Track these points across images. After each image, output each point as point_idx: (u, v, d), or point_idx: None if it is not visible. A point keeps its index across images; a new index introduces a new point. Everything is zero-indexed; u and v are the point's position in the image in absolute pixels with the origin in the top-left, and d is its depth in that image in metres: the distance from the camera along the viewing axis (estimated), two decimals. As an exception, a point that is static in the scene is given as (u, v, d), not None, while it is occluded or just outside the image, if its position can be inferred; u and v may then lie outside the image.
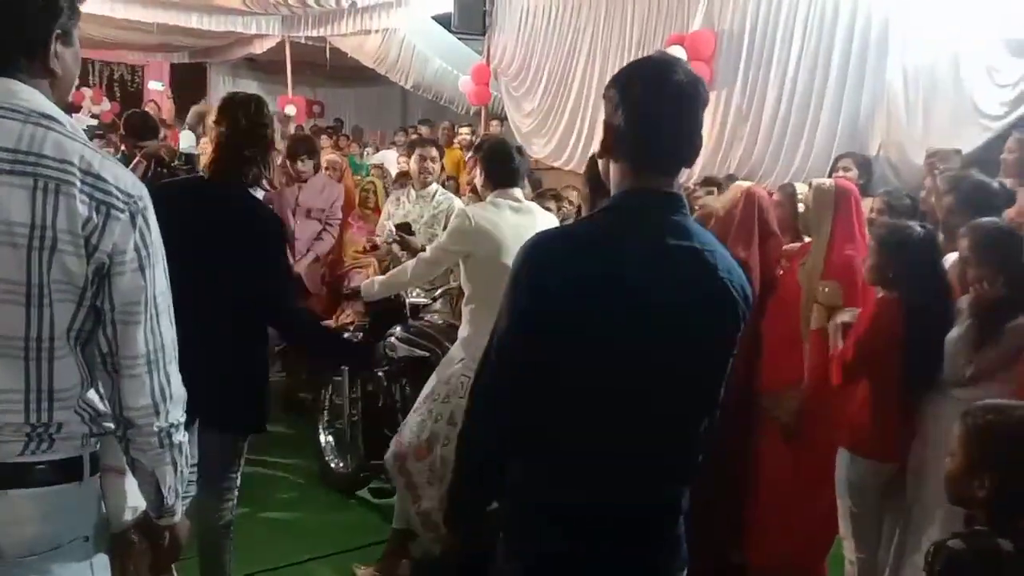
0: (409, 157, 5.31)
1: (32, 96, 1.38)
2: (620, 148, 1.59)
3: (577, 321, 1.52)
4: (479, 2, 8.85)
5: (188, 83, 15.23)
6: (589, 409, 1.57)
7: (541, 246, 1.60)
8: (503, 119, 9.85)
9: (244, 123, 2.68)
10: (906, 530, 3.09)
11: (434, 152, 5.03)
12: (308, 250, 5.52)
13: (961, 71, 5.07)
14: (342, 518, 4.15)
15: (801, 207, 3.67)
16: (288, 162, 5.40)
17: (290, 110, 12.30)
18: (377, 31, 10.71)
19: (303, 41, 12.03)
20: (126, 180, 1.42)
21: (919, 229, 3.23)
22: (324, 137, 11.66)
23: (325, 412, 4.55)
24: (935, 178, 4.30)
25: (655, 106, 1.54)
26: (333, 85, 15.23)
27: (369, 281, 3.79)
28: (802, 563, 3.49)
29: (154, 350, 1.46)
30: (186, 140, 5.73)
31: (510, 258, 3.36)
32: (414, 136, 11.16)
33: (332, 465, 4.45)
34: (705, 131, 5.32)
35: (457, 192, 7.57)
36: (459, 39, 10.66)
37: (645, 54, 6.91)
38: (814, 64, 5.93)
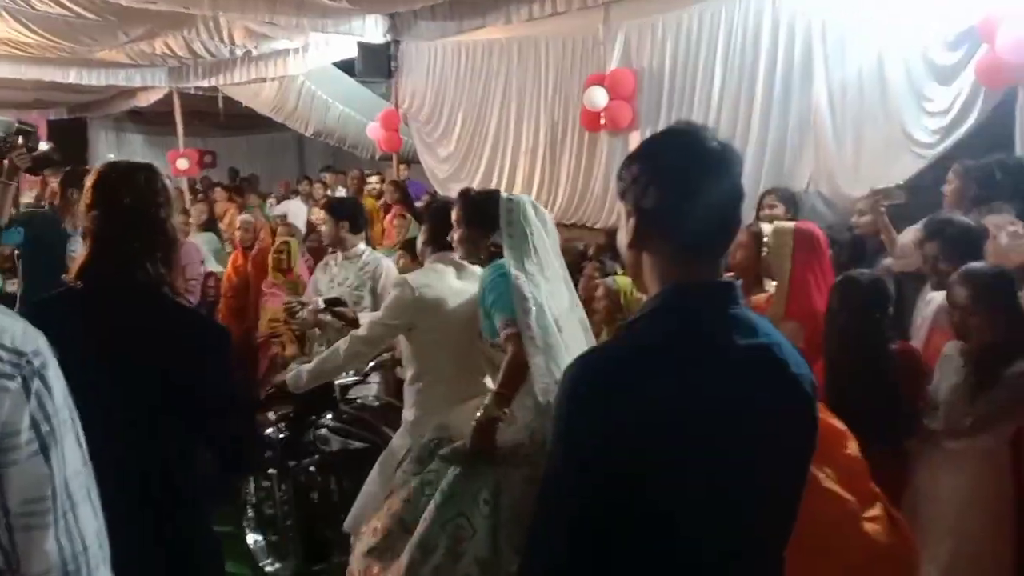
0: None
1: None
2: (660, 235, 1.35)
3: (655, 459, 1.26)
4: (384, 47, 8.50)
5: (67, 141, 14.29)
6: (671, 549, 1.30)
7: (596, 375, 1.31)
8: (410, 163, 9.53)
9: (128, 203, 1.93)
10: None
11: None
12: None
13: (889, 100, 5.02)
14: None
15: (765, 250, 3.60)
16: None
17: (182, 164, 11.67)
18: (273, 79, 10.22)
19: (192, 91, 11.44)
20: (14, 332, 1.05)
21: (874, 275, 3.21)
22: (218, 190, 11.05)
23: (249, 509, 4.04)
24: (883, 216, 4.22)
25: (698, 180, 1.31)
26: (225, 133, 14.61)
27: (295, 372, 3.33)
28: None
29: (72, 557, 1.08)
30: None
31: (457, 327, 3.10)
32: (317, 184, 10.75)
33: (267, 570, 3.92)
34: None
35: (369, 244, 7.22)
36: (360, 83, 10.32)
37: (563, 96, 6.95)
38: (737, 99, 5.82)
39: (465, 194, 3.12)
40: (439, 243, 3.22)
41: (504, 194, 2.91)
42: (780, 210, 4.93)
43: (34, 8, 7.21)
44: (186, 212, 8.37)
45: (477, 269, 3.32)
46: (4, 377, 1.02)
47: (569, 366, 1.34)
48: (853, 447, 2.41)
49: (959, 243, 3.22)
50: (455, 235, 3.01)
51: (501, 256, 2.81)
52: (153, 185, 1.99)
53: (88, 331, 1.78)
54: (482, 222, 2.93)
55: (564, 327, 2.69)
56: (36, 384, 1.05)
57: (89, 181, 2.01)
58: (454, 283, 3.14)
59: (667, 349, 1.30)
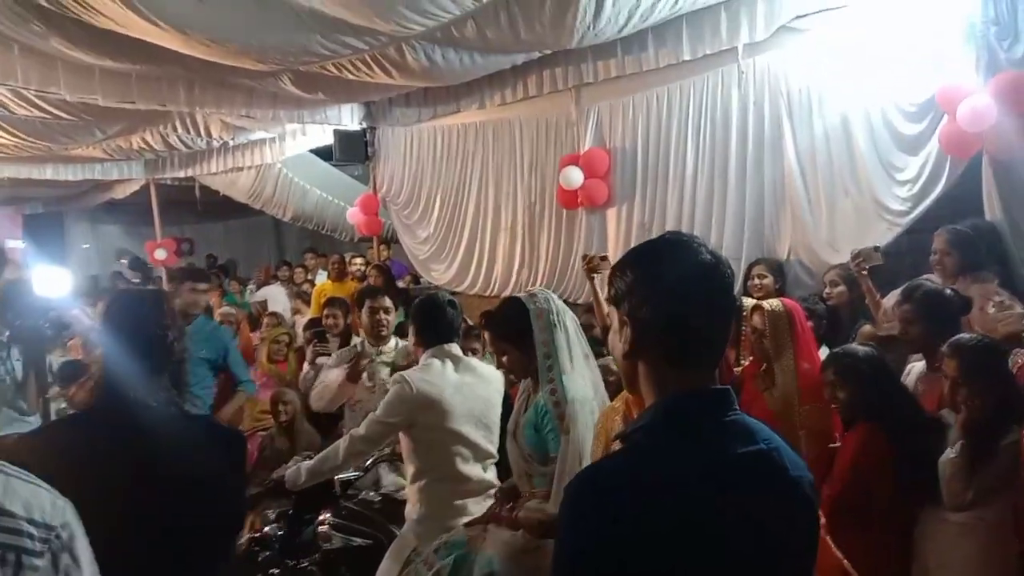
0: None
1: None
2: (656, 346, 1.37)
3: (657, 571, 1.27)
4: (360, 133, 8.65)
5: (44, 234, 14.26)
6: None
7: (596, 491, 1.31)
8: (391, 243, 9.59)
9: (137, 331, 2.00)
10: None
11: (387, 302, 4.39)
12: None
13: (858, 170, 5.18)
14: None
15: (745, 326, 3.66)
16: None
17: (160, 254, 11.67)
18: (250, 167, 10.33)
19: (169, 182, 11.50)
20: (42, 505, 1.04)
21: (872, 350, 3.28)
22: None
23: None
24: (866, 278, 4.33)
25: (694, 292, 1.36)
26: (202, 220, 14.65)
27: (294, 469, 3.30)
28: None
29: None
30: None
31: (456, 423, 3.09)
32: (298, 268, 10.78)
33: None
34: (610, 246, 5.28)
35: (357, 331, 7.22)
36: (336, 167, 10.46)
37: (539, 175, 7.08)
38: (711, 173, 5.96)
39: (493, 318, 2.95)
40: (431, 338, 3.22)
41: (520, 296, 2.83)
42: (769, 280, 5.05)
43: (11, 112, 7.28)
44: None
45: (475, 361, 3.35)
46: (33, 555, 1.02)
47: (570, 482, 1.35)
48: None
49: (926, 306, 3.31)
50: (504, 360, 2.86)
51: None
52: (160, 311, 2.06)
53: (107, 452, 1.80)
54: (523, 337, 2.77)
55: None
56: (65, 559, 1.05)
57: (99, 311, 2.08)
58: (452, 377, 3.13)
59: (666, 462, 1.31)
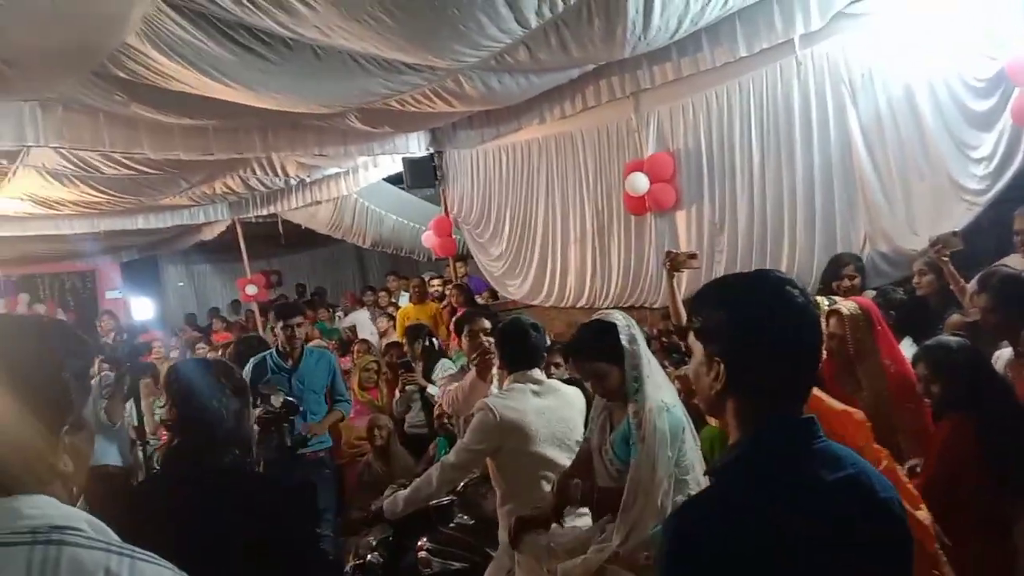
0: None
1: (40, 507, 1.13)
2: (747, 385, 1.41)
3: None
4: (428, 159, 8.87)
5: (141, 278, 15.05)
6: None
7: (695, 529, 1.36)
8: (467, 259, 9.76)
9: (202, 404, 2.12)
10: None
11: (486, 324, 4.25)
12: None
13: (931, 151, 5.06)
14: None
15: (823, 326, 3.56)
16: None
17: (250, 290, 12.14)
18: (328, 200, 10.69)
19: (253, 220, 11.98)
20: None
21: (965, 341, 3.19)
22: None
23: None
24: (947, 264, 4.24)
25: (787, 332, 1.40)
26: (287, 252, 15.20)
27: (392, 499, 3.45)
28: None
29: None
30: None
31: (540, 446, 3.17)
32: (382, 292, 11.07)
33: None
34: (682, 247, 5.22)
35: (443, 348, 7.39)
36: (410, 192, 10.71)
37: (605, 184, 7.12)
38: (778, 167, 5.90)
39: (583, 346, 2.91)
40: (516, 363, 3.30)
41: (602, 317, 2.85)
42: (859, 280, 4.89)
43: (102, 172, 7.76)
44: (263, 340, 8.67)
45: (557, 383, 3.42)
46: None
47: (667, 519, 1.42)
48: None
49: (1007, 292, 3.23)
50: (603, 386, 2.85)
51: None
52: (231, 375, 2.21)
53: (182, 514, 1.97)
54: (616, 353, 2.78)
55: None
56: None
57: (164, 382, 2.26)
58: (535, 402, 3.21)
59: (760, 495, 1.34)
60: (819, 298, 3.79)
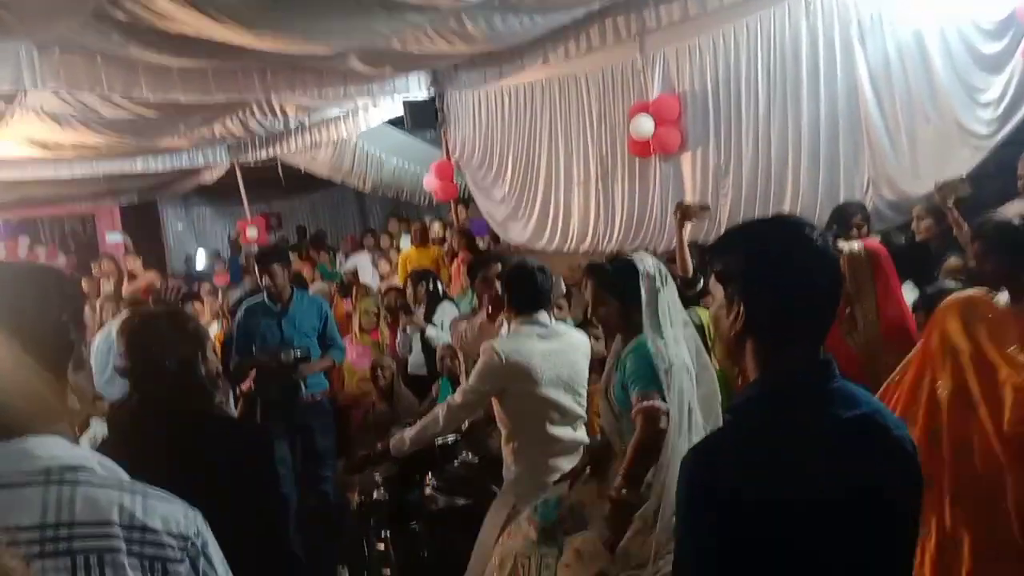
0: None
1: (50, 447, 1.16)
2: (768, 326, 1.44)
3: (772, 537, 1.34)
4: (430, 102, 8.77)
5: (141, 221, 15.00)
6: None
7: (711, 466, 1.40)
8: (468, 203, 9.72)
9: (158, 354, 2.13)
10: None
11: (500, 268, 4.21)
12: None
13: (939, 94, 5.02)
14: None
15: None
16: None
17: (251, 232, 12.13)
18: (328, 143, 10.60)
19: (252, 163, 11.91)
20: (177, 519, 1.20)
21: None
22: (292, 254, 11.51)
23: (365, 573, 4.22)
24: (952, 210, 4.22)
25: (809, 274, 1.42)
26: (287, 195, 15.12)
27: (398, 437, 3.51)
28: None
29: None
30: None
31: (546, 389, 3.22)
32: (384, 235, 11.06)
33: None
34: (687, 193, 5.18)
35: (446, 291, 7.42)
36: (411, 134, 10.62)
37: (609, 126, 7.06)
38: (784, 111, 5.87)
39: (599, 270, 2.95)
40: (521, 306, 3.31)
41: (632, 256, 2.86)
42: (866, 228, 4.89)
43: (101, 115, 7.70)
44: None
45: (563, 327, 3.44)
46: (175, 562, 1.17)
47: (684, 457, 1.45)
48: None
49: (1002, 239, 3.16)
50: (600, 312, 2.90)
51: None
52: (180, 331, 2.18)
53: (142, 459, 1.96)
54: (626, 293, 2.80)
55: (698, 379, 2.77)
56: (202, 563, 1.20)
57: (121, 332, 2.26)
58: (540, 345, 3.23)
59: (776, 432, 1.38)
60: (841, 243, 3.77)
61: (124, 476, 1.21)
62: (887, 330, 3.32)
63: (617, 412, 2.86)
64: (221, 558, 1.25)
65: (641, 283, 2.74)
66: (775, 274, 1.42)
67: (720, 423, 2.82)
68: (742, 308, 1.43)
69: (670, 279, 2.86)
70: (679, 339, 2.78)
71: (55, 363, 1.22)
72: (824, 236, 1.46)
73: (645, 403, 2.66)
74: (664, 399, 2.65)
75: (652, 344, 2.70)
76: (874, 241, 3.86)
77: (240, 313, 5.20)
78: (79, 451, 1.20)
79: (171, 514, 1.20)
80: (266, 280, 5.03)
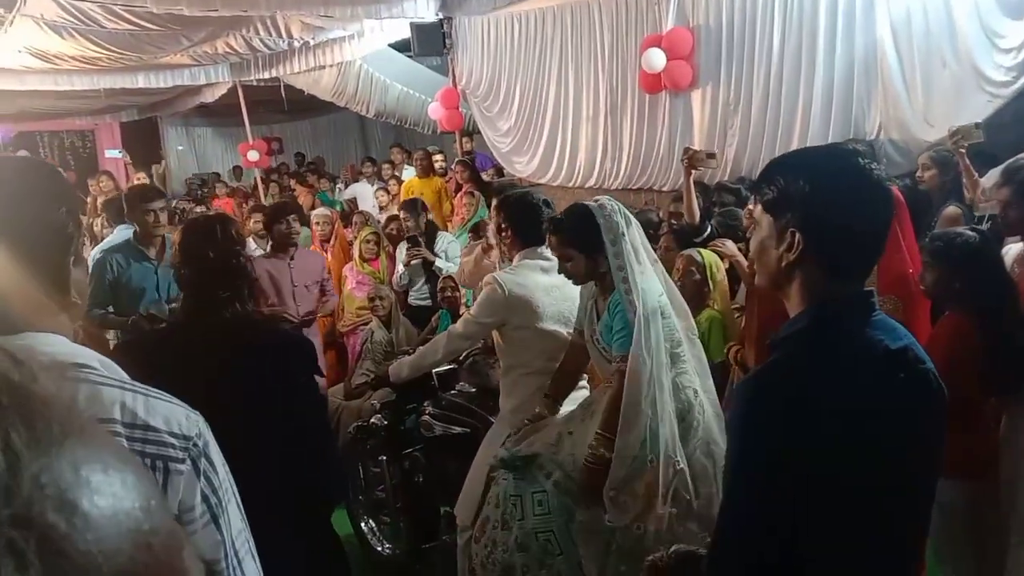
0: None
1: (53, 344, 1.13)
2: (821, 257, 1.40)
3: (830, 464, 1.34)
4: (437, 25, 8.57)
5: (141, 140, 14.86)
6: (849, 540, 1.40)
7: (771, 396, 1.40)
8: (472, 134, 9.61)
9: (215, 258, 2.24)
10: (1006, 545, 2.92)
11: None
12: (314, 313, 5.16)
13: (958, 38, 4.90)
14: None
15: None
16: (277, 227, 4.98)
17: (252, 155, 12.02)
18: (332, 65, 10.41)
19: (255, 83, 11.73)
20: (179, 419, 1.18)
21: (972, 235, 3.14)
22: (293, 181, 11.45)
23: (360, 495, 4.29)
24: (963, 157, 4.17)
25: (867, 206, 1.39)
26: (289, 119, 14.97)
27: (397, 364, 3.53)
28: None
29: None
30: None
31: (546, 323, 3.22)
32: (386, 164, 10.95)
33: (379, 550, 4.20)
34: (695, 130, 5.10)
35: (444, 225, 7.38)
36: (417, 60, 10.43)
37: (620, 59, 6.92)
38: (798, 49, 5.74)
39: (559, 223, 2.94)
40: (524, 239, 3.27)
41: (591, 204, 2.85)
42: None
43: (102, 26, 7.53)
44: (261, 208, 8.63)
45: None
46: (177, 461, 1.16)
47: (740, 388, 1.47)
48: None
49: None
50: (567, 267, 2.89)
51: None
52: (228, 234, 2.30)
53: (196, 359, 2.06)
54: (589, 244, 2.81)
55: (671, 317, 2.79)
56: (203, 463, 1.19)
57: (176, 239, 2.37)
58: (543, 279, 3.20)
59: (825, 363, 1.38)
60: None
61: (124, 376, 1.20)
62: (883, 275, 3.28)
63: (609, 356, 2.89)
64: (222, 461, 1.24)
65: (604, 234, 2.74)
66: (838, 202, 1.38)
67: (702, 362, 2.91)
68: (799, 238, 1.39)
69: (632, 218, 2.87)
70: (648, 275, 2.80)
71: (54, 258, 1.19)
72: (880, 168, 1.44)
73: (623, 366, 2.71)
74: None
75: (622, 296, 2.71)
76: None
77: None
78: (80, 348, 1.18)
79: (172, 414, 1.18)
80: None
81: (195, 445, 1.18)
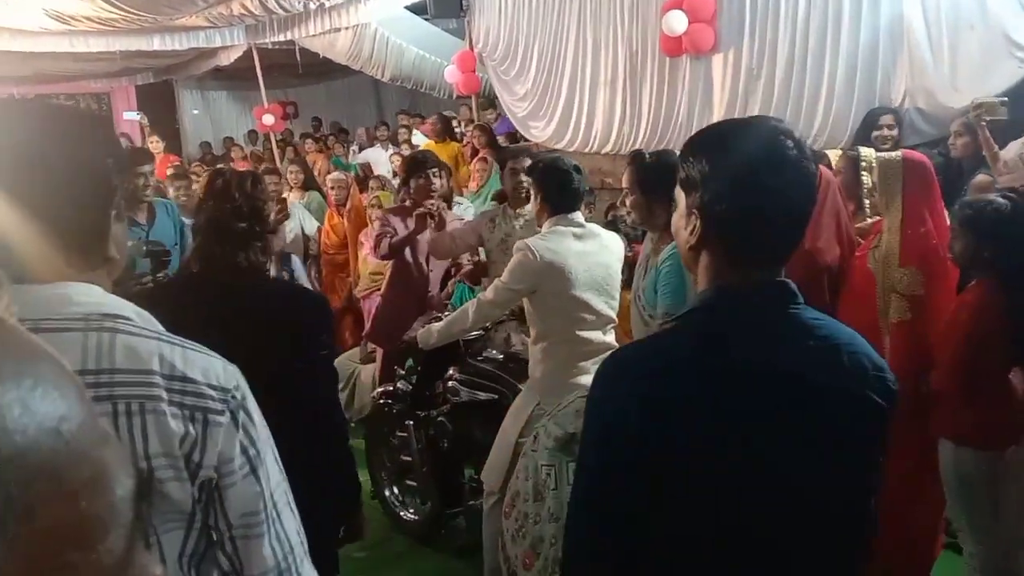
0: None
1: (89, 294, 1.13)
2: (723, 241, 1.30)
3: (696, 472, 1.25)
4: (455, -13, 8.50)
5: (157, 103, 14.82)
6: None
7: (619, 369, 1.32)
8: (495, 102, 9.50)
9: (240, 201, 2.26)
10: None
11: (527, 163, 4.17)
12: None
13: (987, 3, 4.83)
14: (426, 567, 4.01)
15: (865, 176, 3.45)
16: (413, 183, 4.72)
17: (267, 119, 11.98)
18: (347, 28, 10.33)
19: (270, 46, 11.66)
20: (217, 371, 1.18)
21: (1003, 202, 3.10)
22: (310, 142, 11.45)
23: (386, 459, 4.36)
24: (983, 129, 4.14)
25: (772, 191, 1.25)
26: (304, 83, 14.88)
27: (425, 330, 3.55)
28: (911, 562, 3.34)
29: (283, 557, 1.24)
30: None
31: (579, 289, 3.23)
32: (402, 128, 10.92)
33: (403, 515, 4.28)
34: (716, 96, 5.02)
35: (460, 191, 7.37)
36: (434, 23, 10.34)
37: (641, 22, 6.83)
38: (825, 16, 5.67)
39: (639, 158, 2.91)
40: (556, 205, 3.25)
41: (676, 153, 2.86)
42: (896, 132, 4.83)
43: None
44: (277, 172, 8.63)
45: (597, 228, 3.40)
46: (216, 413, 1.16)
47: (604, 360, 1.37)
48: None
49: None
50: (627, 200, 2.89)
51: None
52: (254, 184, 2.32)
53: (202, 309, 2.07)
54: (657, 189, 2.77)
55: None
56: (242, 416, 1.19)
57: (203, 184, 2.38)
58: (575, 245, 3.19)
59: (700, 345, 1.28)
60: (863, 149, 3.66)
61: (160, 328, 1.19)
62: (907, 248, 3.22)
63: (646, 318, 2.86)
64: (260, 415, 1.24)
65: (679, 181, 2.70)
66: (738, 185, 1.26)
67: None
68: (699, 222, 1.30)
69: None
70: None
71: (98, 209, 1.17)
72: (801, 145, 1.28)
73: (667, 326, 2.65)
74: None
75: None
76: (916, 152, 3.70)
77: None
78: (116, 299, 1.17)
79: (211, 366, 1.18)
80: None
81: (233, 397, 1.18)
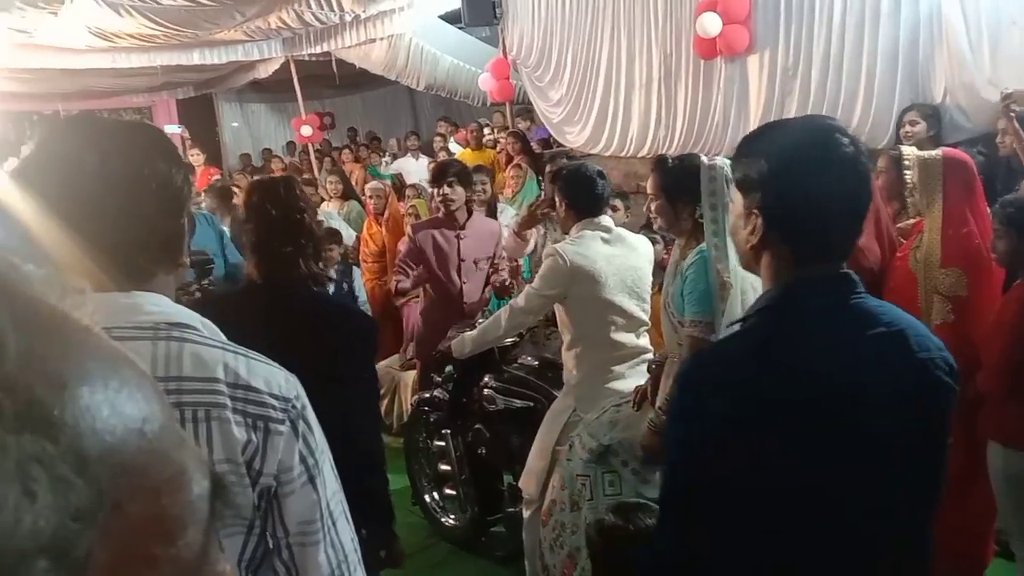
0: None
1: (159, 304, 1.17)
2: (785, 240, 1.33)
3: (766, 451, 1.27)
4: (488, -4, 8.54)
5: (197, 117, 15.11)
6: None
7: (707, 375, 1.34)
8: (531, 111, 9.49)
9: (275, 214, 2.25)
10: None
11: None
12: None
13: (1029, -1, 4.72)
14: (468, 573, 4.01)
15: (908, 175, 3.37)
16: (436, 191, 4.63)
17: (305, 131, 12.13)
18: (382, 39, 10.43)
19: (307, 58, 11.82)
20: (279, 381, 1.21)
21: None
22: (347, 152, 11.57)
23: (426, 467, 4.37)
24: (1012, 120, 4.05)
25: (832, 189, 1.29)
26: (341, 93, 15.04)
27: (460, 339, 3.57)
28: (961, 565, 3.26)
29: (337, 565, 1.26)
30: None
31: (610, 293, 3.22)
32: (437, 137, 10.98)
33: (443, 521, 4.29)
34: (752, 97, 4.97)
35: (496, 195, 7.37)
36: (467, 32, 10.40)
37: (675, 24, 6.80)
38: (862, 13, 5.57)
39: (662, 163, 2.92)
40: (582, 210, 3.27)
41: (704, 159, 2.73)
42: (922, 127, 4.76)
43: (157, 2, 7.65)
44: (314, 183, 8.74)
45: (624, 232, 3.40)
46: (276, 423, 1.19)
47: (681, 365, 1.42)
48: None
49: None
50: (652, 205, 2.86)
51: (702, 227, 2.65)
52: (293, 193, 2.32)
53: (261, 321, 2.05)
54: (681, 193, 2.75)
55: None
56: (301, 425, 1.22)
57: (242, 199, 2.40)
58: (604, 249, 3.20)
59: (780, 343, 1.30)
60: (904, 147, 3.60)
61: (224, 338, 1.22)
62: (947, 248, 3.16)
63: (675, 323, 2.84)
64: (318, 425, 1.26)
65: (704, 185, 2.59)
66: (797, 183, 1.30)
67: None
68: (760, 220, 1.33)
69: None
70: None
71: (169, 218, 1.21)
72: (856, 142, 1.31)
73: (694, 331, 2.59)
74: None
75: (710, 262, 2.58)
76: (957, 150, 3.61)
77: None
78: (184, 310, 1.21)
79: (273, 376, 1.21)
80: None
81: (294, 407, 1.21)
